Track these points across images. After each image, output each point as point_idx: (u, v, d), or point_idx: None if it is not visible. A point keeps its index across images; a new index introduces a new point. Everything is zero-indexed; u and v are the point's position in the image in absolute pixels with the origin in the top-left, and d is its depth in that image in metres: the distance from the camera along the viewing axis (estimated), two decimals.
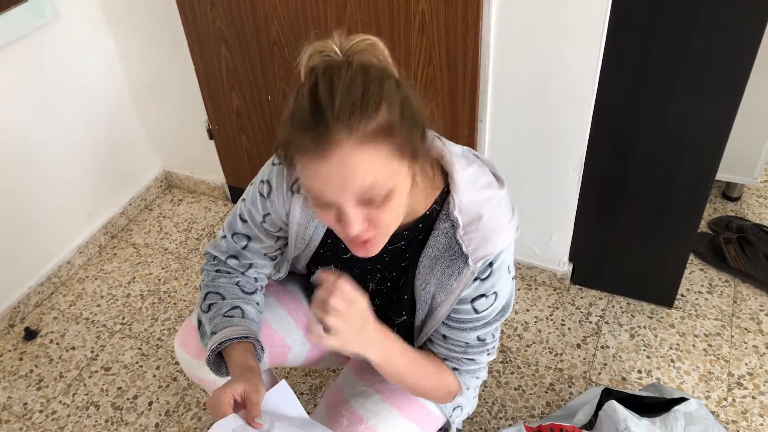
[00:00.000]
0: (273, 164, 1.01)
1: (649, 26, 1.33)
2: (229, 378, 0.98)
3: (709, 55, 1.32)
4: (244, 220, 1.06)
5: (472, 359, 1.01)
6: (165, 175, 2.34)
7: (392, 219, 0.82)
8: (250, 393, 0.88)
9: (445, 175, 0.93)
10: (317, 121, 0.73)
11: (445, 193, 0.93)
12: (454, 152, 0.92)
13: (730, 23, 1.27)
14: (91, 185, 2.06)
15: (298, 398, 0.96)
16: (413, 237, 0.97)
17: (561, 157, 1.57)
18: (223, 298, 1.05)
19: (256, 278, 1.12)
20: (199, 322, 1.08)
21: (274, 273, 1.17)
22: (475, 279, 0.92)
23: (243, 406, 0.89)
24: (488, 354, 1.02)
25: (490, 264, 0.91)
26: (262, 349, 1.03)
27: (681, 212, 1.57)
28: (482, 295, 0.94)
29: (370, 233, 0.82)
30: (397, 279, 1.03)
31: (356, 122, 0.73)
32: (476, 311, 0.95)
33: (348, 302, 0.81)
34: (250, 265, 1.10)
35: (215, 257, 1.10)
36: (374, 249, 0.85)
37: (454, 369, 1.02)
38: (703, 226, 1.99)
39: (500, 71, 1.49)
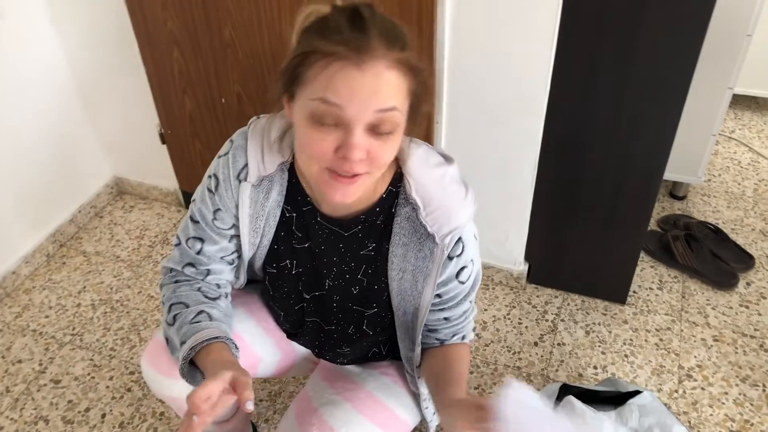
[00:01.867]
0: (218, 157, 0.99)
1: (598, 29, 1.37)
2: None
3: (654, 57, 1.36)
4: (195, 221, 1.02)
5: (469, 320, 1.08)
6: (116, 181, 2.28)
7: (385, 160, 0.84)
8: (237, 376, 0.83)
9: (395, 160, 0.95)
10: (358, 29, 0.76)
11: (398, 177, 0.95)
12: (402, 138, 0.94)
13: (673, 26, 1.31)
14: (37, 192, 1.99)
15: (256, 405, 0.94)
16: (371, 222, 0.97)
17: (515, 158, 1.60)
18: (187, 306, 1.01)
19: (218, 284, 1.07)
20: (167, 339, 1.03)
21: (234, 281, 1.13)
22: (451, 258, 0.95)
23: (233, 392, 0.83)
24: (475, 307, 1.10)
25: (459, 239, 0.94)
26: (236, 347, 0.99)
27: (632, 211, 1.62)
28: (462, 268, 0.98)
29: (362, 168, 0.82)
30: (355, 270, 1.02)
31: (393, 44, 0.78)
32: (462, 282, 1.00)
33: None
34: (208, 272, 1.05)
35: (171, 269, 1.06)
36: (353, 193, 0.85)
37: (462, 338, 1.07)
38: (652, 225, 2.05)
39: (455, 73, 1.51)
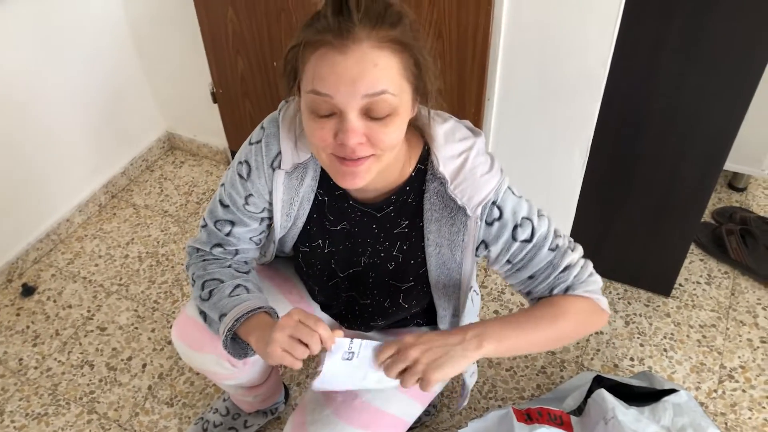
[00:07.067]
0: (250, 144, 0.99)
1: (666, 7, 1.29)
2: (249, 356, 1.02)
3: (726, 40, 1.28)
4: (225, 205, 1.03)
5: (566, 267, 0.96)
6: (168, 136, 2.33)
7: (389, 142, 0.82)
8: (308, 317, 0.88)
9: (422, 137, 0.95)
10: (342, 17, 0.75)
11: (426, 153, 0.95)
12: (428, 113, 0.93)
13: (750, 7, 1.23)
14: (93, 143, 2.05)
15: (289, 370, 0.97)
16: (402, 201, 0.97)
17: (567, 139, 1.55)
18: (222, 282, 1.02)
19: (245, 261, 1.09)
20: (202, 314, 1.05)
21: (260, 258, 1.14)
22: (491, 223, 0.93)
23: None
24: (572, 250, 0.98)
25: (493, 203, 0.93)
26: (277, 317, 1.00)
27: (685, 201, 1.55)
28: (515, 228, 0.94)
29: (365, 151, 0.82)
30: (390, 248, 1.02)
31: (379, 26, 0.76)
32: (526, 241, 0.95)
33: (409, 340, 0.86)
34: (237, 252, 1.07)
35: (198, 249, 1.07)
36: (364, 175, 0.84)
37: (566, 290, 0.97)
38: (706, 216, 1.97)
39: (511, 49, 1.46)
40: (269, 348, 0.87)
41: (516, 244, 0.95)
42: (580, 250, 1.00)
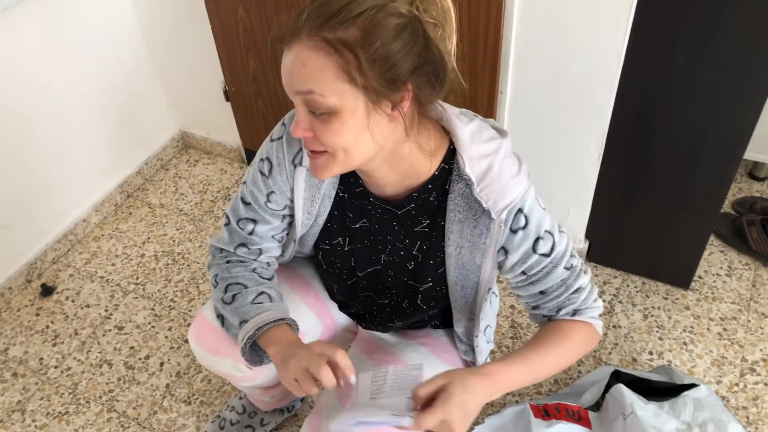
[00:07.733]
0: (271, 140, 0.99)
1: (679, 4, 1.27)
2: (265, 363, 1.03)
3: (741, 32, 1.26)
4: (247, 203, 1.03)
5: (577, 288, 0.99)
6: (182, 135, 2.34)
7: (332, 142, 0.82)
8: (333, 354, 0.88)
9: (448, 135, 0.93)
10: (297, 16, 0.80)
11: (451, 153, 0.93)
12: (452, 112, 0.93)
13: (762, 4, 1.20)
14: (107, 144, 2.06)
15: None
16: (424, 199, 0.96)
17: (582, 133, 1.53)
18: (246, 287, 1.03)
19: (268, 263, 1.09)
20: (221, 317, 1.06)
21: (278, 257, 1.14)
22: (515, 231, 0.93)
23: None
24: (585, 273, 1.00)
25: (520, 210, 0.91)
26: (298, 329, 1.02)
27: (704, 192, 1.53)
28: (537, 239, 0.94)
29: (317, 146, 0.84)
30: (410, 247, 1.01)
31: (319, 26, 0.77)
32: (545, 255, 0.95)
33: (443, 412, 0.83)
34: (260, 251, 1.07)
35: (222, 250, 1.08)
36: (322, 169, 0.86)
37: (574, 313, 1.00)
38: (726, 207, 1.94)
39: (523, 41, 1.44)
40: (283, 371, 0.90)
41: (534, 257, 0.95)
42: (589, 273, 1.02)
